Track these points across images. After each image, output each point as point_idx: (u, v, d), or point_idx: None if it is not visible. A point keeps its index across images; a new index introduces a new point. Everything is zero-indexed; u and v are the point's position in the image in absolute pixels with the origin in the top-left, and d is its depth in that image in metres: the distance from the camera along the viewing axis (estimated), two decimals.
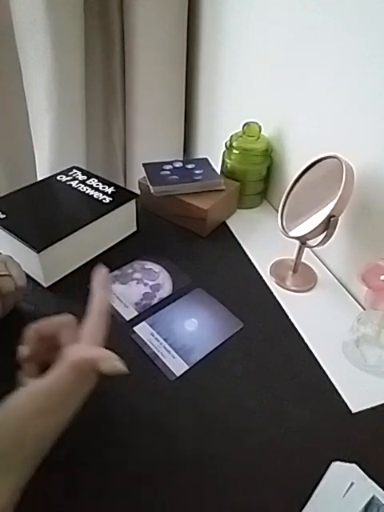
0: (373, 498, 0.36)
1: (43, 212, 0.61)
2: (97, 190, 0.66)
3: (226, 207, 0.74)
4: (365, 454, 0.40)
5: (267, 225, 0.73)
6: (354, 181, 0.51)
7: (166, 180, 0.70)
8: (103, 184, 0.68)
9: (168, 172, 0.72)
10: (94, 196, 0.65)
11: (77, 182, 0.69)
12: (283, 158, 0.74)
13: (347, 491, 0.37)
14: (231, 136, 0.74)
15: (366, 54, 0.51)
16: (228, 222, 0.75)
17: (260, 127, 0.71)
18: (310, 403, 0.45)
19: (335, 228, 0.51)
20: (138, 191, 0.72)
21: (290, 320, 0.55)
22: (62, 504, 0.36)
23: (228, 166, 0.75)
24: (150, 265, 0.63)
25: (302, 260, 0.61)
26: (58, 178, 0.70)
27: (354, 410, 0.44)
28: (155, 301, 0.57)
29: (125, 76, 0.99)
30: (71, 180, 0.69)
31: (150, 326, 0.53)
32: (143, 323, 0.53)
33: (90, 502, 0.36)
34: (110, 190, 0.66)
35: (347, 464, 0.39)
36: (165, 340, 0.51)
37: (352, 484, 0.37)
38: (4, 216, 0.58)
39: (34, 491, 0.29)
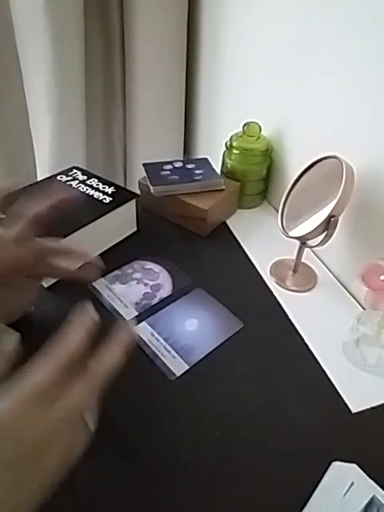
0: (373, 498, 0.36)
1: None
2: (97, 189, 0.66)
3: (226, 207, 0.74)
4: (365, 454, 0.40)
5: (267, 225, 0.73)
6: (354, 181, 0.51)
7: (166, 180, 0.70)
8: (103, 184, 0.68)
9: (168, 172, 0.72)
10: (94, 196, 0.65)
11: (77, 182, 0.68)
12: (283, 158, 0.74)
13: (347, 491, 0.37)
14: (231, 136, 0.74)
15: (366, 54, 0.51)
16: (228, 221, 0.75)
17: (260, 127, 0.71)
18: (310, 403, 0.45)
19: (335, 228, 0.51)
20: (138, 191, 0.72)
21: (290, 320, 0.55)
22: (62, 505, 0.36)
23: (228, 165, 0.75)
24: (150, 265, 0.63)
25: (302, 260, 0.61)
26: (58, 178, 0.70)
27: (353, 410, 0.44)
28: (155, 301, 0.57)
29: (125, 76, 0.99)
30: (71, 180, 0.69)
31: (150, 325, 0.53)
32: (143, 323, 0.53)
33: (89, 502, 0.36)
34: (110, 190, 0.66)
35: (347, 464, 0.39)
36: (165, 340, 0.51)
37: (352, 484, 0.37)
38: (4, 216, 0.58)
39: None
